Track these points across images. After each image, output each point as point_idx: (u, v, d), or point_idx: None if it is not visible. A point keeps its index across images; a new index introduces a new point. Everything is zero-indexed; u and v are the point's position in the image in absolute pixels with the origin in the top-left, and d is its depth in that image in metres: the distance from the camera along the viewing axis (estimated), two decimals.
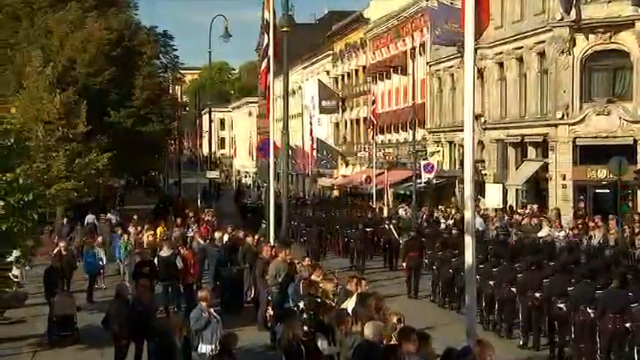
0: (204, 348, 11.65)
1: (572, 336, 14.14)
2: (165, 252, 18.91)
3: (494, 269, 16.83)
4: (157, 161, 52.06)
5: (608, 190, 29.26)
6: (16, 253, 15.68)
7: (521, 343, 15.64)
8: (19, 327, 17.93)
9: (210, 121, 55.82)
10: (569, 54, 30.81)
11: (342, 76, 61.24)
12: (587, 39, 30.63)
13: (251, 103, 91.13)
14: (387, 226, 28.10)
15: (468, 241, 9.55)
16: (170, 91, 62.95)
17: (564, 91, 31.01)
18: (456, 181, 38.37)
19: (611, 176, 26.98)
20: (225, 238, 22.71)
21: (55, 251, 20.57)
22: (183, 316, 14.27)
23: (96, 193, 35.14)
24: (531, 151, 33.78)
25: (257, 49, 74.30)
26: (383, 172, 42.47)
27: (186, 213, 33.86)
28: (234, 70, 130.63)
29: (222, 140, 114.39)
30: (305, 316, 11.51)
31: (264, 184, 38.61)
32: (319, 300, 12.10)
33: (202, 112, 64.85)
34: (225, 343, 10.19)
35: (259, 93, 69.94)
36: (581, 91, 30.92)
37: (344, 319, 10.49)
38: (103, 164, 31.17)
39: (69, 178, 28.94)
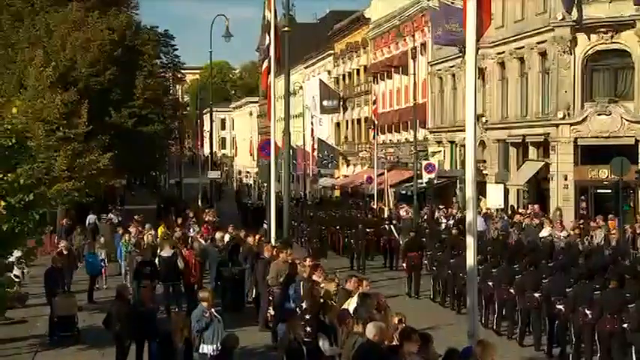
0: (206, 348, 11.65)
1: (572, 336, 14.14)
2: (166, 252, 18.89)
3: (493, 269, 16.82)
4: (157, 161, 52.02)
5: (609, 191, 29.23)
6: (17, 253, 15.68)
7: (520, 343, 15.62)
8: (20, 327, 17.93)
9: (212, 121, 55.81)
10: (571, 54, 30.80)
11: (343, 75, 61.25)
12: (589, 39, 30.62)
13: (252, 103, 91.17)
14: (387, 227, 28.11)
15: (470, 241, 9.52)
16: (171, 91, 62.98)
17: (566, 91, 31.00)
18: (457, 181, 38.35)
19: (613, 176, 26.95)
20: (227, 238, 22.71)
21: (56, 251, 20.55)
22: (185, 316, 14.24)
23: (97, 193, 35.15)
24: (532, 151, 33.76)
25: (258, 49, 74.37)
26: (384, 172, 42.46)
27: (187, 213, 33.87)
28: (235, 69, 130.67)
29: (223, 140, 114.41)
30: (307, 316, 11.48)
31: (265, 185, 38.56)
32: (321, 300, 12.08)
33: (203, 112, 64.78)
34: (226, 345, 10.19)
35: (260, 93, 69.98)
36: (583, 90, 30.91)
37: (345, 320, 10.47)
38: (103, 164, 31.23)
39: (70, 178, 28.99)
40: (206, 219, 31.64)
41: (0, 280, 14.38)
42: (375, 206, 38.15)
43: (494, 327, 16.53)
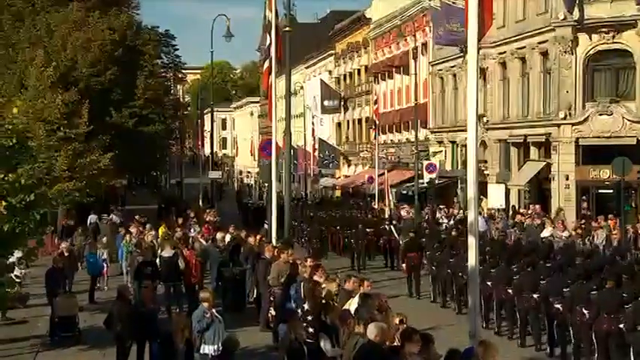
0: (207, 349, 11.64)
1: (571, 336, 14.13)
2: (167, 252, 18.89)
3: (492, 270, 16.79)
4: (158, 161, 52.02)
5: (611, 191, 29.21)
6: (18, 253, 15.67)
7: (520, 343, 15.60)
8: (21, 327, 17.93)
9: (212, 121, 55.81)
10: (572, 54, 30.77)
11: (344, 75, 61.25)
12: (591, 39, 30.60)
13: (253, 103, 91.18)
14: (387, 227, 28.08)
15: (471, 241, 9.49)
16: (172, 91, 62.94)
17: (567, 91, 30.98)
18: (458, 181, 38.33)
19: (614, 176, 26.93)
20: (227, 238, 22.69)
21: (57, 252, 20.53)
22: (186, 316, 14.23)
23: (98, 193, 35.15)
24: (534, 151, 33.73)
25: (259, 49, 74.33)
26: (385, 173, 42.43)
27: (188, 213, 33.85)
28: (236, 69, 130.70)
29: (224, 140, 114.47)
30: (309, 317, 11.46)
31: (266, 185, 38.53)
32: (323, 301, 12.07)
33: (204, 112, 64.79)
34: (226, 348, 10.17)
35: (261, 93, 69.95)
36: (584, 90, 30.89)
37: (347, 320, 10.45)
38: (104, 164, 31.22)
39: (71, 178, 29.00)
40: (207, 219, 31.64)
41: (1, 281, 14.36)
42: (375, 206, 38.13)
43: (495, 329, 16.50)
